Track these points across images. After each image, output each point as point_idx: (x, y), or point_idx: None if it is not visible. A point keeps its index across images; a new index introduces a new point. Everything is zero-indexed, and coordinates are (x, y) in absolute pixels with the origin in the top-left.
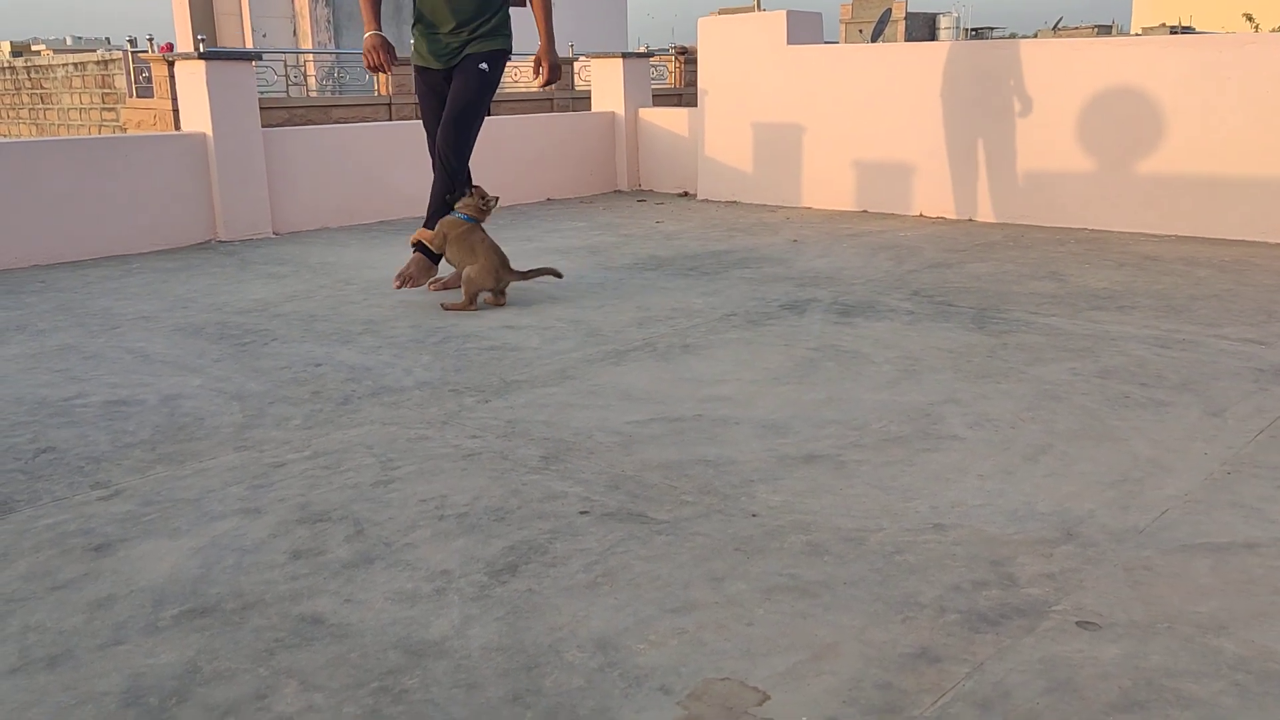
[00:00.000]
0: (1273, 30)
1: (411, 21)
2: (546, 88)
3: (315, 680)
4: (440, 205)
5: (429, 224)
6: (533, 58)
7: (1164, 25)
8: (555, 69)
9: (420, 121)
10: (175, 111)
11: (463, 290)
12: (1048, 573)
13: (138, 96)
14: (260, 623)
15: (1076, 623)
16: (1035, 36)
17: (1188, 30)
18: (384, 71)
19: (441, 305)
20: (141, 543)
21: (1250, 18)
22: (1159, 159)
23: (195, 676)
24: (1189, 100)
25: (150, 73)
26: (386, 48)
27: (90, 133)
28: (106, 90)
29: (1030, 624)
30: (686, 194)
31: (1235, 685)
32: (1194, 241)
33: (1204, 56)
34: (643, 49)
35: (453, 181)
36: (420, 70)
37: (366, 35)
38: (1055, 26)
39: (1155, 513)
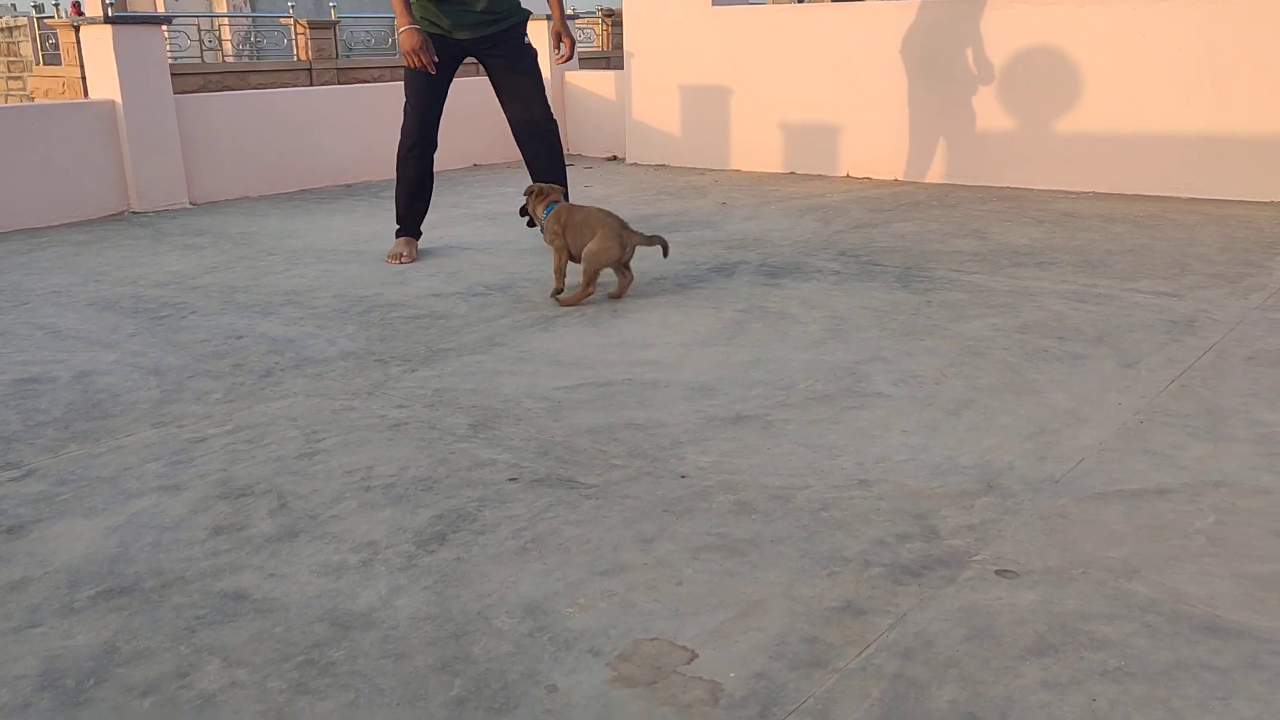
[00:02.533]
0: None
1: None
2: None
3: (238, 656)
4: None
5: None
6: (550, 31)
7: None
8: (573, 42)
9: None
10: (84, 79)
11: (583, 271)
12: (968, 524)
13: (45, 64)
14: (180, 600)
15: (995, 571)
16: None
17: None
18: (430, 70)
19: (560, 302)
20: (56, 523)
21: None
22: (1077, 117)
23: (113, 657)
24: (1106, 59)
25: (57, 39)
26: (429, 46)
27: None
28: (12, 59)
29: (951, 574)
30: (615, 158)
31: (1146, 626)
32: (1111, 198)
33: (1120, 14)
34: (569, 11)
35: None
36: (433, 39)
37: (404, 30)
38: None
39: (1071, 462)
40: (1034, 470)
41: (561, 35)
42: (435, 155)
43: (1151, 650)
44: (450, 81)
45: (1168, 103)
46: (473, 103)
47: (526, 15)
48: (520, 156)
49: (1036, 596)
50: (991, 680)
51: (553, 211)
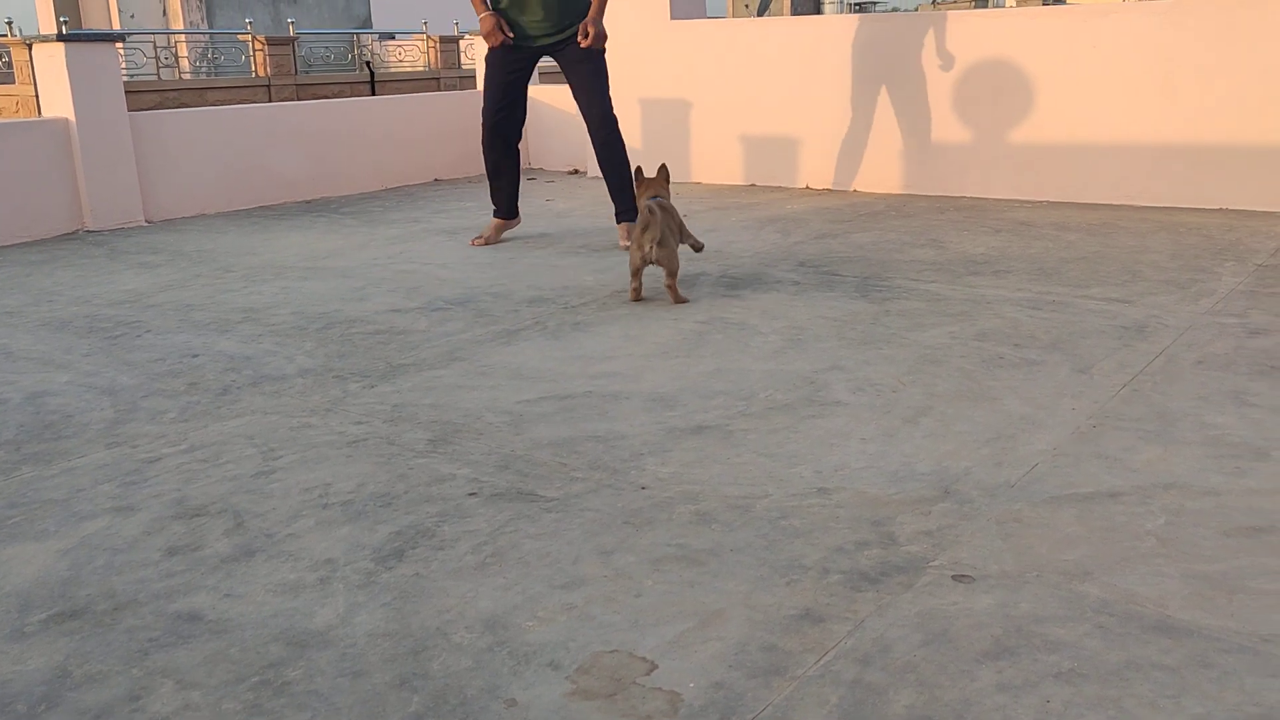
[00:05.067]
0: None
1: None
2: (593, 48)
3: (192, 678)
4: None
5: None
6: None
7: None
8: (600, 35)
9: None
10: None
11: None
12: (926, 530)
13: None
14: (133, 623)
15: (952, 576)
16: (916, 10)
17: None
18: (509, 41)
19: (677, 301)
20: (6, 546)
21: None
22: (1032, 127)
23: (65, 681)
24: (1058, 69)
25: (10, 58)
26: (501, 24)
27: None
28: None
29: (909, 580)
30: (576, 171)
31: (1099, 628)
32: (1065, 207)
33: (1071, 25)
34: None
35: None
36: (508, 46)
37: (483, 16)
38: (935, 1)
39: (1026, 467)
40: (990, 475)
41: (588, 26)
42: (514, 148)
43: (1104, 651)
44: (525, 78)
45: (1119, 112)
46: (433, 119)
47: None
48: (480, 172)
49: (992, 600)
50: (948, 684)
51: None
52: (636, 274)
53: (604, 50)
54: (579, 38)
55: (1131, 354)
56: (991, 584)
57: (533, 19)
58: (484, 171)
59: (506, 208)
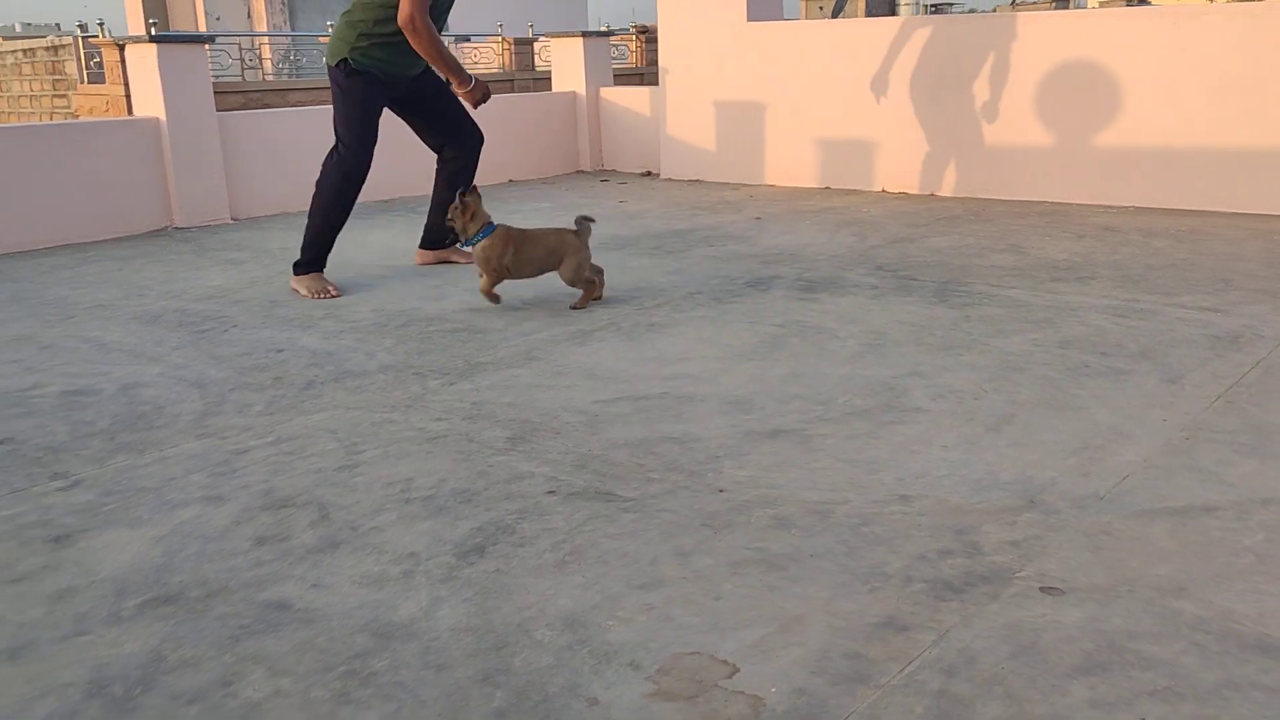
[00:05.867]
0: (1228, 1)
1: (361, 29)
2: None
3: (282, 665)
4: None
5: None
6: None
7: None
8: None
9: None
10: (127, 97)
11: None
12: (1011, 540)
13: (89, 83)
14: (225, 610)
15: (1040, 588)
16: (994, 11)
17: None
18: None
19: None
20: (102, 533)
21: None
22: (1116, 131)
23: (160, 665)
24: (1146, 72)
25: (102, 58)
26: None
27: (41, 120)
28: (57, 77)
29: (995, 591)
30: (649, 173)
31: (1195, 645)
32: (1151, 212)
33: (1159, 27)
34: (603, 28)
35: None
36: (380, 81)
37: (476, 85)
38: (1013, 2)
39: (1115, 479)
40: (1077, 486)
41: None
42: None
43: (1200, 669)
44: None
45: (1208, 116)
46: (508, 120)
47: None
48: (554, 173)
49: (1082, 614)
50: (1038, 699)
51: (501, 232)
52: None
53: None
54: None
55: (1225, 364)
56: (1081, 597)
57: (414, 58)
58: (556, 175)
59: (324, 258)
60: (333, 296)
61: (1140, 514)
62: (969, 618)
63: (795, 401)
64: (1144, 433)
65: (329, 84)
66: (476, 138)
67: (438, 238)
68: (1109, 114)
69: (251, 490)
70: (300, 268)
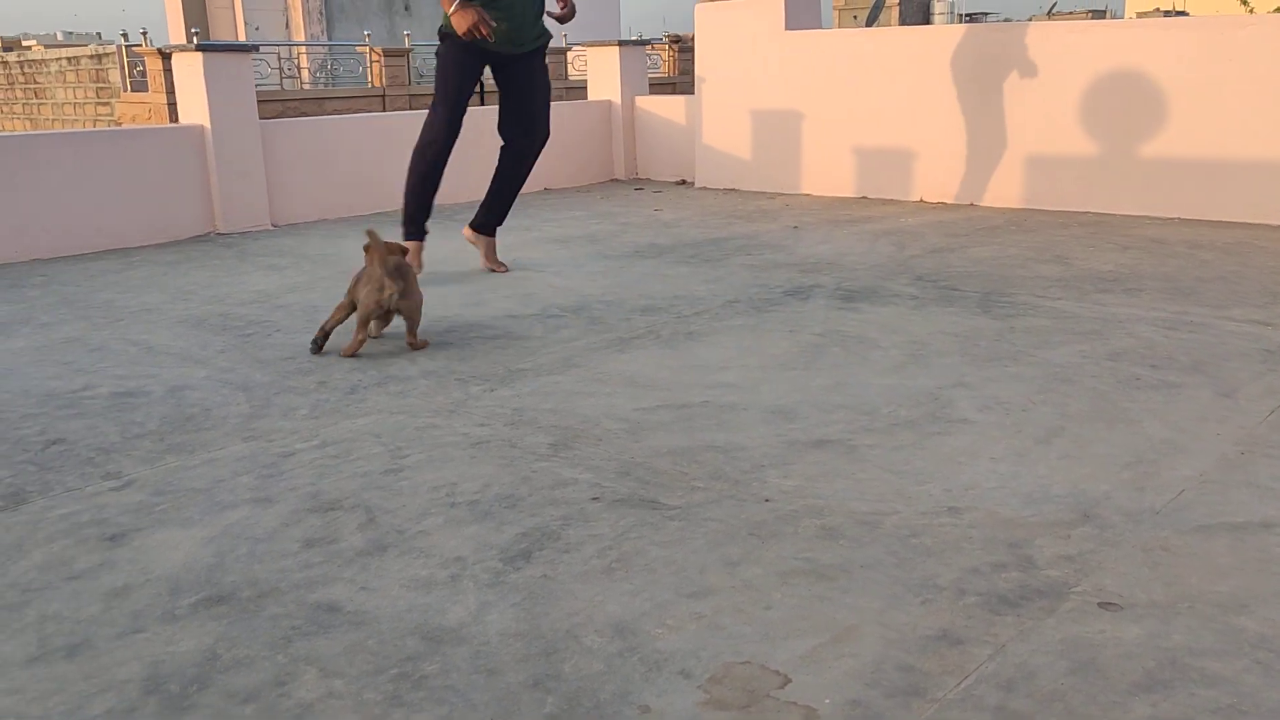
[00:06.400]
0: (1272, 11)
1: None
2: (563, 24)
3: (334, 667)
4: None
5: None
6: None
7: (1158, 10)
8: (569, 4)
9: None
10: (170, 105)
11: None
12: (1066, 554)
13: (132, 90)
14: (277, 610)
15: (1098, 604)
16: (1030, 21)
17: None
18: (490, 38)
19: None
20: (155, 532)
21: (1245, 1)
22: (1160, 142)
23: (215, 664)
24: (1189, 83)
25: (144, 67)
26: (483, 15)
27: (85, 126)
28: (100, 85)
29: (1051, 605)
30: (684, 182)
31: (1258, 664)
32: (1197, 224)
33: (1204, 38)
34: (636, 36)
35: None
36: (481, 51)
37: (455, 12)
38: (1050, 12)
39: (1171, 493)
40: (1132, 501)
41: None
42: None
43: (1264, 688)
44: (477, 86)
45: (1252, 127)
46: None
47: (549, 38)
48: (589, 182)
49: (1142, 630)
50: (1099, 715)
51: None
52: (366, 323)
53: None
54: (560, 6)
55: (1278, 379)
56: (1140, 613)
57: (507, 29)
58: (591, 184)
59: (422, 226)
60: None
61: (1198, 529)
62: (1025, 632)
63: (839, 411)
64: (1198, 447)
65: (365, 93)
66: (542, 136)
67: (485, 221)
68: (1152, 125)
69: (299, 493)
70: (405, 238)
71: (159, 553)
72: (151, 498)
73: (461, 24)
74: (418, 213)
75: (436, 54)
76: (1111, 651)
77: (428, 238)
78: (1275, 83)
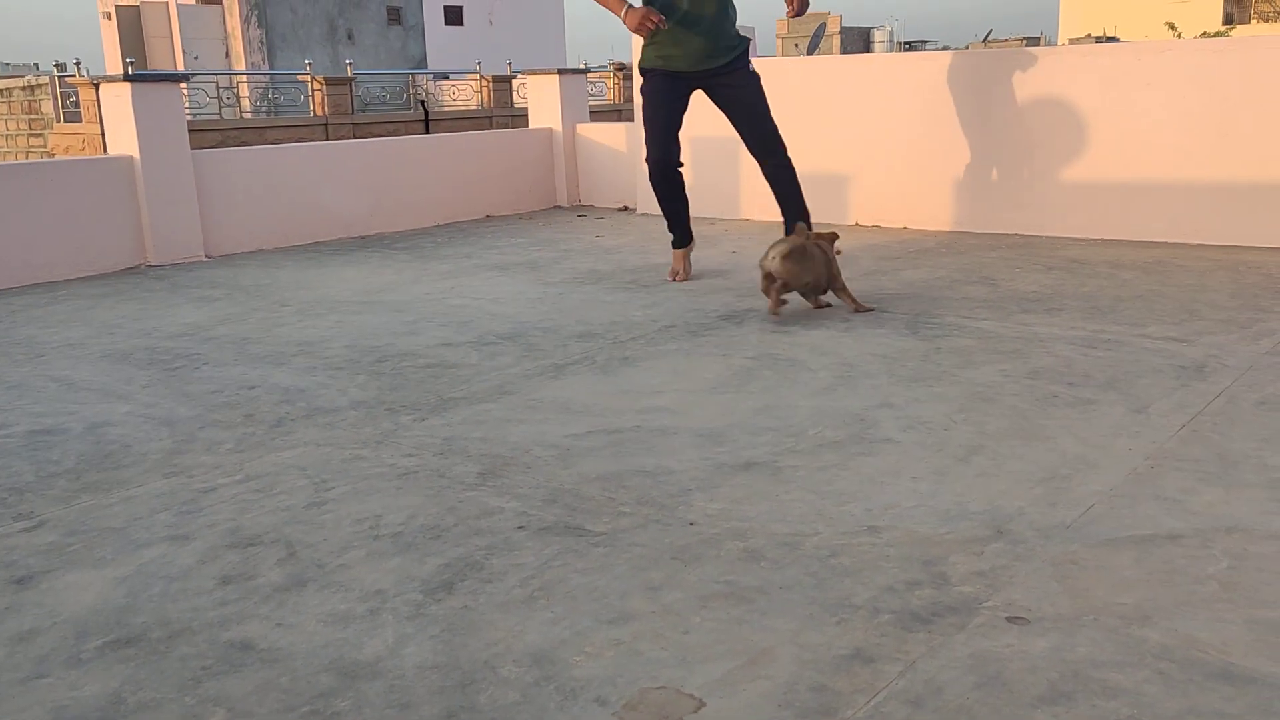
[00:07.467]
0: (1196, 37)
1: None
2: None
3: (244, 707)
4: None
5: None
6: None
7: (1089, 36)
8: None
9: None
10: (103, 136)
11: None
12: (979, 570)
13: (65, 122)
14: (187, 651)
15: (1006, 618)
16: (967, 49)
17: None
18: (662, 26)
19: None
20: (65, 574)
21: (1173, 26)
22: (1084, 165)
23: (120, 708)
24: (1112, 107)
25: (78, 97)
26: (651, 10)
27: (16, 159)
28: (33, 116)
29: (961, 621)
30: (626, 208)
31: (1159, 674)
32: (1119, 244)
33: (1125, 63)
34: (582, 65)
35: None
36: (666, 75)
37: (627, 13)
38: (985, 39)
39: (1081, 508)
40: (1045, 516)
41: None
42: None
43: (1164, 698)
44: (682, 107)
45: (1174, 149)
46: (484, 156)
47: (747, 43)
48: (531, 209)
49: (1048, 644)
50: None
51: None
52: (765, 288)
53: (759, 77)
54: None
55: (1190, 394)
56: (1047, 626)
57: (690, 49)
58: (533, 211)
59: (685, 235)
60: (677, 279)
61: (1105, 543)
62: (935, 648)
63: (766, 434)
64: (1110, 462)
65: (307, 121)
66: (779, 152)
67: (790, 224)
68: (1077, 148)
69: (218, 529)
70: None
71: (68, 594)
72: (64, 538)
73: (633, 22)
74: (671, 225)
75: (641, 91)
76: (1017, 665)
77: (688, 242)
78: (1194, 105)
